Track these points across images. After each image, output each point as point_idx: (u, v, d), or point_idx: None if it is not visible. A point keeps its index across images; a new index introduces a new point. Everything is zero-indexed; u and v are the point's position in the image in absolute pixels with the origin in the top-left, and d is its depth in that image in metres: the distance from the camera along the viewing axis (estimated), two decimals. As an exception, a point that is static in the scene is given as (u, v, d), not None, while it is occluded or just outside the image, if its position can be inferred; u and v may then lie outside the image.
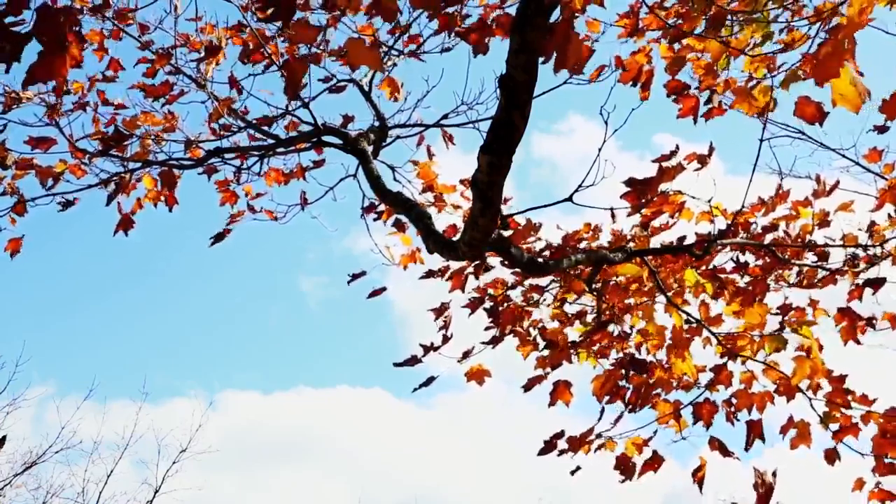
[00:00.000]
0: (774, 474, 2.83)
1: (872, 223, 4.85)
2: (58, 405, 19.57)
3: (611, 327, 4.79)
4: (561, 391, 4.76)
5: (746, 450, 4.42)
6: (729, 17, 3.91)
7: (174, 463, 15.34)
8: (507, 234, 3.70)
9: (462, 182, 5.22)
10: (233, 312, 27.68)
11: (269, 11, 2.83)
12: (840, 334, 4.76)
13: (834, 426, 4.36)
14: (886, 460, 4.30)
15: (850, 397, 4.31)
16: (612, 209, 4.45)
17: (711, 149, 4.16)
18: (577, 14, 3.92)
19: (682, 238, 4.53)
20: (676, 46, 4.23)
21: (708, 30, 3.95)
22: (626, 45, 4.54)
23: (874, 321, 4.82)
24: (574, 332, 4.96)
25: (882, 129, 4.61)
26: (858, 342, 4.71)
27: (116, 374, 24.11)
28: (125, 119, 4.91)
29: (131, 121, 4.90)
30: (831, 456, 4.45)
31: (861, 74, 3.90)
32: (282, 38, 4.86)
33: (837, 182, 4.66)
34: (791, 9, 3.95)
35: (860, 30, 2.87)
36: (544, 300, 5.05)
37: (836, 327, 4.80)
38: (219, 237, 5.50)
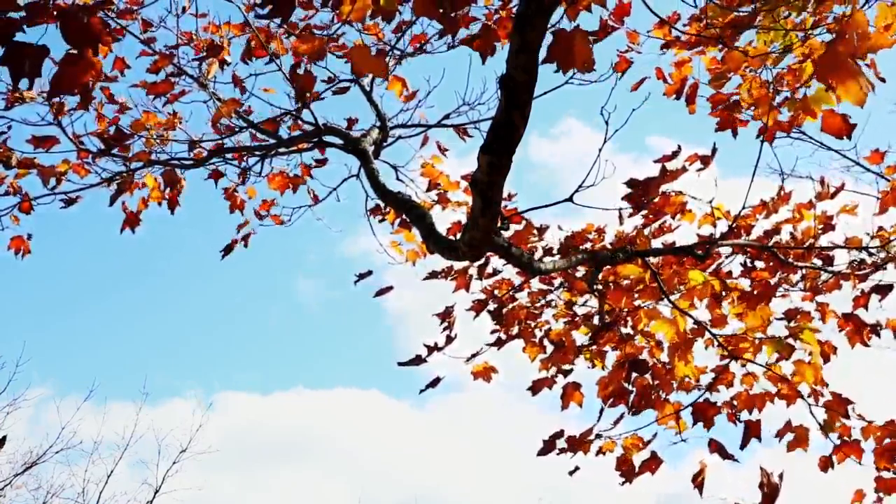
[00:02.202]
0: (781, 476, 2.80)
1: (880, 228, 4.81)
2: (58, 405, 19.65)
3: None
4: (571, 394, 4.76)
5: (742, 448, 4.41)
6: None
7: (174, 463, 15.37)
8: (508, 233, 3.69)
9: (465, 178, 5.21)
10: (232, 313, 27.73)
11: (269, 8, 2.84)
12: (846, 337, 4.73)
13: (834, 435, 4.33)
14: (886, 475, 4.28)
15: (849, 408, 4.28)
16: (619, 210, 4.44)
17: (714, 150, 4.14)
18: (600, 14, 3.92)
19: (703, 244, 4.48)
20: (719, 56, 4.24)
21: (726, 37, 3.95)
22: (664, 56, 4.55)
23: (879, 327, 4.79)
24: (580, 335, 4.95)
25: None
26: (866, 344, 4.68)
27: (116, 375, 24.15)
28: (133, 121, 4.93)
29: (138, 123, 4.92)
30: (826, 463, 4.42)
31: (882, 80, 3.88)
32: (285, 34, 4.86)
33: (843, 185, 4.62)
34: (811, 15, 3.94)
35: (883, 47, 2.85)
36: (553, 302, 5.04)
37: (840, 332, 4.78)
38: (228, 249, 5.56)
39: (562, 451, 4.49)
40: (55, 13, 2.49)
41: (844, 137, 3.37)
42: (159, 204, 5.21)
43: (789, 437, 4.37)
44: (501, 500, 21.62)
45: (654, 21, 4.47)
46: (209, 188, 5.40)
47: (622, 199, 4.03)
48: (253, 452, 22.91)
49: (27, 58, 2.44)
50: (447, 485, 22.21)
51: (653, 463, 4.47)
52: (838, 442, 4.30)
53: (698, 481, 4.34)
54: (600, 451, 4.54)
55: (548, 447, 4.49)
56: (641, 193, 3.88)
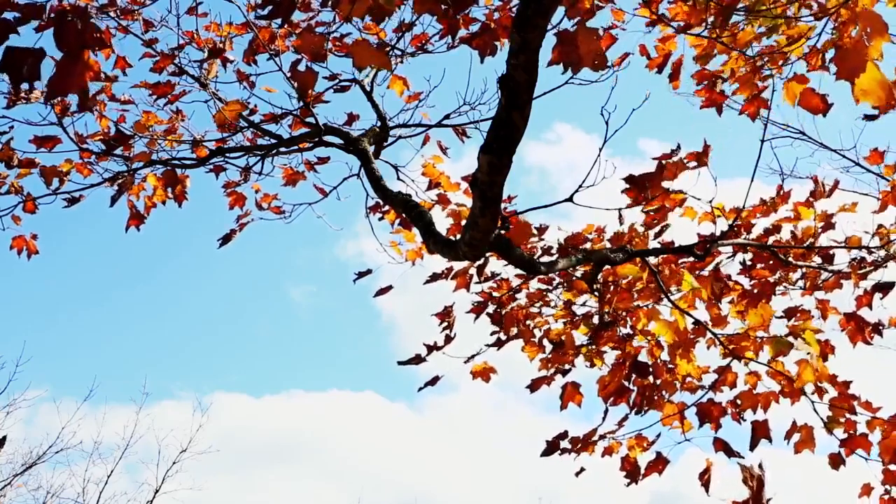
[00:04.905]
0: (761, 466, 2.76)
1: (880, 226, 4.81)
2: (57, 406, 19.72)
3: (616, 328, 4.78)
4: (571, 394, 4.74)
5: (751, 450, 4.40)
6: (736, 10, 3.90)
7: (174, 463, 15.38)
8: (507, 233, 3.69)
9: (465, 179, 5.21)
10: (227, 314, 27.76)
11: (269, 10, 2.85)
12: (848, 336, 4.72)
13: (839, 431, 4.33)
14: (894, 468, 4.26)
15: (854, 402, 4.28)
16: (619, 210, 4.43)
17: (706, 147, 4.13)
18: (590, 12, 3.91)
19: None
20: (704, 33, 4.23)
21: (715, 23, 3.94)
22: (649, 35, 4.54)
23: (881, 326, 4.78)
24: (580, 335, 4.95)
25: (871, 118, 4.57)
26: (868, 342, 4.67)
27: (113, 377, 24.20)
28: (136, 122, 4.94)
29: (140, 123, 4.93)
30: (836, 461, 4.41)
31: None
32: (287, 34, 4.86)
33: (836, 183, 4.60)
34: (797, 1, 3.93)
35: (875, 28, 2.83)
36: (553, 302, 5.04)
37: (842, 332, 4.77)
38: (226, 239, 5.54)
39: (564, 451, 4.49)
40: (51, 16, 2.50)
41: (821, 115, 3.39)
42: (164, 203, 5.21)
43: (796, 437, 4.36)
44: (500, 500, 21.67)
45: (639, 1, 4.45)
46: (208, 188, 5.42)
47: (622, 192, 4.04)
48: (249, 454, 22.98)
49: (25, 62, 2.46)
50: (445, 486, 22.29)
51: (659, 464, 4.47)
52: (845, 436, 4.29)
53: (705, 479, 4.34)
54: (606, 452, 4.54)
55: (551, 448, 4.49)
56: (640, 189, 3.88)
